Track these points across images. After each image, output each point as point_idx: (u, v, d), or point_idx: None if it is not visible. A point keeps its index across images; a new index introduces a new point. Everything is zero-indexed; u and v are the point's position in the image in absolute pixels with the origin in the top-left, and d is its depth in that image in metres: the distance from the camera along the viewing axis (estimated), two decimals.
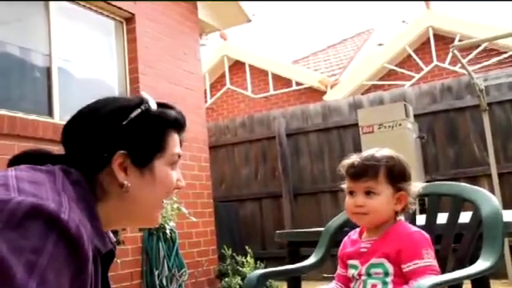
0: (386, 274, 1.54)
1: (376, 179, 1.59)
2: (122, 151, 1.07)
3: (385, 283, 1.53)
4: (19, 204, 0.87)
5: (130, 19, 5.16)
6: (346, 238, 1.74)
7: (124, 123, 1.09)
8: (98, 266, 0.98)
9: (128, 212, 1.11)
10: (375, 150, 1.66)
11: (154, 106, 1.13)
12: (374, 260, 1.57)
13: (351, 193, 1.64)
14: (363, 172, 1.59)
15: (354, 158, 1.65)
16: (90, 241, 0.92)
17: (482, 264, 1.53)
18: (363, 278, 1.58)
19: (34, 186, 0.93)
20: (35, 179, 0.96)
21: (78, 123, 1.11)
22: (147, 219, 1.17)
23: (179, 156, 1.17)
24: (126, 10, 5.05)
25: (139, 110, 1.10)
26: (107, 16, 5.04)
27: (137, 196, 1.10)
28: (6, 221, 0.84)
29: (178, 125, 1.17)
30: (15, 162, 1.08)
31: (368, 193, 1.59)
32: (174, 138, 1.16)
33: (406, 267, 1.50)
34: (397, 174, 1.61)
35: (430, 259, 1.50)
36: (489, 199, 1.72)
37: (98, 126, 1.09)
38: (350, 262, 1.65)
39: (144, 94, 1.15)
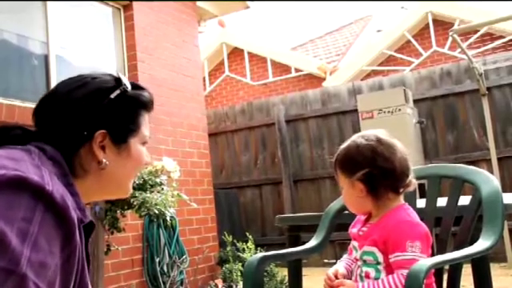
0: (378, 262, 1.51)
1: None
2: (103, 130, 1.11)
3: (378, 271, 1.51)
4: (3, 176, 0.88)
5: (127, 6, 5.12)
6: (358, 215, 1.70)
7: (104, 103, 1.12)
8: (82, 236, 1.01)
9: (104, 186, 1.17)
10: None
11: (129, 87, 1.18)
12: (366, 247, 1.54)
13: None
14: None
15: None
16: (74, 211, 0.95)
17: (482, 244, 1.52)
18: (359, 263, 1.58)
19: (13, 161, 0.94)
20: (13, 156, 0.97)
21: (55, 102, 1.13)
22: (121, 191, 1.23)
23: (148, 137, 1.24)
24: None
25: (118, 91, 1.14)
26: (105, 3, 5.00)
27: (113, 172, 1.15)
28: None
29: (150, 107, 1.22)
30: None
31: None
32: (146, 118, 1.21)
33: (391, 258, 1.47)
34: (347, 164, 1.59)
35: (414, 253, 1.42)
36: (489, 180, 1.71)
37: (78, 105, 1.11)
38: (353, 242, 1.63)
39: (119, 75, 1.19)
